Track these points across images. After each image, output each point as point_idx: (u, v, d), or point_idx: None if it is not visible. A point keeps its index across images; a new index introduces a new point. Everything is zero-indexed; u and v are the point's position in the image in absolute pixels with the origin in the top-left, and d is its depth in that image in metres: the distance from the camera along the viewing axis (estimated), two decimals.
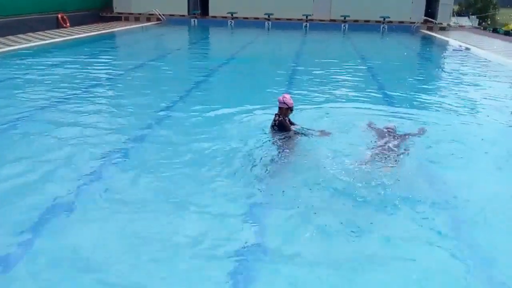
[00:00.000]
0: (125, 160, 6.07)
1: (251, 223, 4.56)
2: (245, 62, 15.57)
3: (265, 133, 6.75)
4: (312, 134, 6.80)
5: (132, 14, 28.48)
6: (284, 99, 6.54)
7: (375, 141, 6.62)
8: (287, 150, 6.28)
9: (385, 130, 6.93)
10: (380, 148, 6.35)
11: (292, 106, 6.64)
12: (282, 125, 6.58)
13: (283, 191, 5.21)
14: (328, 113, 8.34)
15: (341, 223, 4.51)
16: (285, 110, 6.59)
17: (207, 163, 5.89)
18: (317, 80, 12.08)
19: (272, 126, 6.67)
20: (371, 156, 6.12)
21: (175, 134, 7.13)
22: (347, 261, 3.97)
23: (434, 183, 5.63)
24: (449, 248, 4.17)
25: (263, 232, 4.40)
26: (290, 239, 4.28)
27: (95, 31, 21.30)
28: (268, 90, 10.22)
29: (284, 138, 6.51)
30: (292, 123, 6.90)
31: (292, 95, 6.96)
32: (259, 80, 12.12)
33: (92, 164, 5.79)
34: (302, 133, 6.78)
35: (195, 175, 5.55)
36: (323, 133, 6.87)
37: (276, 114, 6.69)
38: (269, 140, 6.49)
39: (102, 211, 4.73)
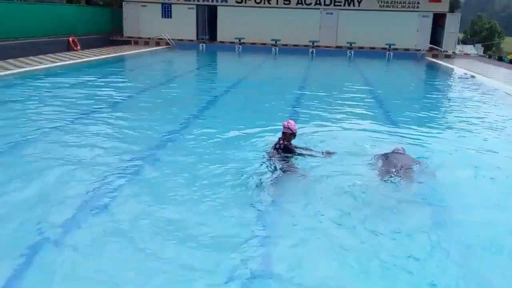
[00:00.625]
0: (130, 180, 6.13)
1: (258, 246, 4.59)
2: (252, 86, 15.82)
3: (267, 156, 6.78)
4: (316, 156, 6.91)
5: (141, 38, 29.03)
6: (288, 124, 6.68)
7: (382, 164, 6.68)
8: (292, 171, 6.36)
9: (393, 153, 6.95)
10: (386, 170, 6.40)
11: (296, 132, 6.76)
12: (287, 149, 6.67)
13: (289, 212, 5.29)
14: (335, 137, 8.47)
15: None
16: (288, 136, 6.72)
17: (212, 186, 5.93)
18: (323, 104, 12.25)
19: (277, 149, 6.71)
20: (378, 177, 6.19)
21: (182, 156, 7.21)
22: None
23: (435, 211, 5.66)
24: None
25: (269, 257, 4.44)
26: (296, 263, 4.31)
27: (105, 55, 21.71)
28: (274, 113, 10.34)
29: (289, 159, 6.58)
30: (295, 147, 6.98)
31: (299, 119, 7.07)
32: (265, 104, 12.25)
33: (93, 187, 5.78)
34: (308, 155, 6.88)
35: (198, 198, 5.61)
36: (328, 153, 7.00)
37: (280, 138, 6.81)
38: (274, 162, 6.50)
39: (102, 237, 4.68)
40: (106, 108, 10.68)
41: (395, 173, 6.25)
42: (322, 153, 7.02)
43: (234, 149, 7.46)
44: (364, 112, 11.61)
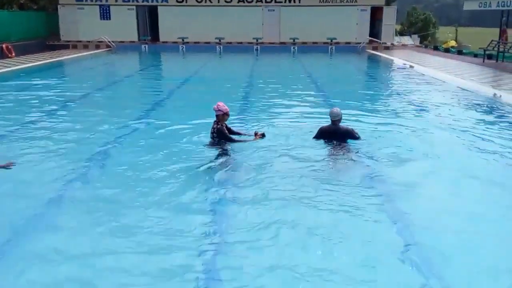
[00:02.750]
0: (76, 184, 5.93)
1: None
2: (198, 84, 15.77)
3: (207, 144, 7.27)
4: (248, 140, 7.44)
5: (80, 42, 28.09)
6: (218, 106, 7.12)
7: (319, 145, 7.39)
8: (229, 156, 6.90)
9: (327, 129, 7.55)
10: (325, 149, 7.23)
11: (228, 111, 7.20)
12: (220, 132, 7.14)
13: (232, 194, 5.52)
14: (277, 124, 9.09)
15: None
16: (221, 117, 7.17)
17: (156, 181, 6.05)
18: (269, 97, 12.64)
19: (212, 134, 7.20)
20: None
21: (127, 154, 7.33)
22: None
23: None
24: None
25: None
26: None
27: (42, 60, 20.80)
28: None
29: (224, 145, 7.11)
30: (230, 130, 7.50)
31: (246, 114, 7.64)
32: (213, 100, 12.20)
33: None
34: (240, 140, 7.38)
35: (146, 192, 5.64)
36: (257, 134, 7.51)
37: (214, 121, 7.24)
38: (213, 149, 7.07)
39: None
40: (45, 115, 10.25)
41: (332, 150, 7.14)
42: (254, 135, 7.51)
43: (179, 144, 7.66)
44: (307, 101, 12.23)
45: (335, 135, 7.38)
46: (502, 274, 4.16)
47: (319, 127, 7.70)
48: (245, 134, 7.77)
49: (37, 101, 12.00)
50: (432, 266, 4.19)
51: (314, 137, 7.62)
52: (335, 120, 7.38)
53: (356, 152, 7.17)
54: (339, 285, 3.95)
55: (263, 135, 7.55)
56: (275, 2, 28.77)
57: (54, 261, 4.22)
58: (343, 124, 7.53)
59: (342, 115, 7.46)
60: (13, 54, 21.77)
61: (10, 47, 21.90)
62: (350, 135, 7.42)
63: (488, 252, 4.49)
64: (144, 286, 3.89)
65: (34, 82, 15.29)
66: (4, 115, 10.20)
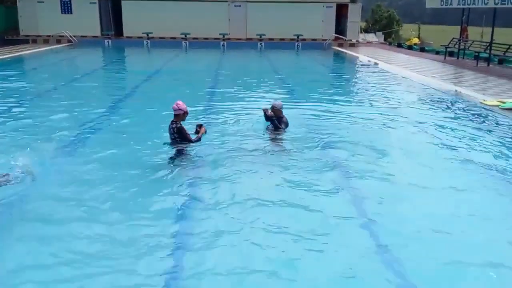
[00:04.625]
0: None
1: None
2: (164, 80, 15.57)
3: (168, 143, 7.11)
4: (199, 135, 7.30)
5: (40, 36, 27.16)
6: (178, 105, 6.96)
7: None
8: (189, 154, 6.95)
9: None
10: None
11: (187, 110, 7.07)
12: (180, 131, 6.99)
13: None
14: (238, 119, 9.26)
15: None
16: (182, 116, 7.02)
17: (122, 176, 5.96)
18: (235, 92, 12.75)
19: (172, 134, 7.02)
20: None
21: (84, 153, 7.19)
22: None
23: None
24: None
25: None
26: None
27: (0, 55, 19.97)
28: (189, 105, 10.20)
29: (184, 143, 7.03)
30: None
31: (212, 107, 8.36)
32: (179, 96, 12.03)
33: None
34: (197, 138, 7.22)
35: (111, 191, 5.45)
36: (201, 128, 7.35)
37: (172, 121, 7.04)
38: (173, 148, 6.98)
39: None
40: (7, 112, 9.85)
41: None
42: (196, 131, 7.32)
43: (140, 142, 7.57)
44: (272, 94, 12.39)
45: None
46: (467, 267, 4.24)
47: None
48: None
49: None
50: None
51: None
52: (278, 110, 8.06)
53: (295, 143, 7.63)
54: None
55: (201, 126, 7.43)
56: None
57: None
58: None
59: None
60: None
61: None
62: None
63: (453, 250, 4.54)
64: None
65: None
66: None
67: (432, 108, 11.15)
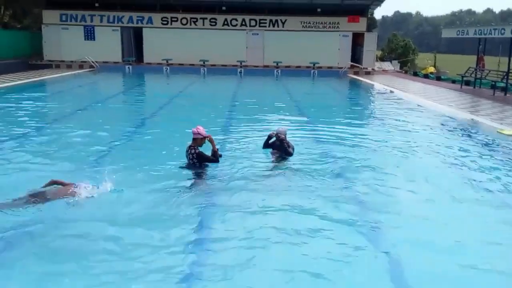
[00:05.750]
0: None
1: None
2: (183, 105, 15.92)
3: (184, 167, 7.37)
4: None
5: (63, 61, 28.01)
6: (198, 130, 7.22)
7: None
8: (206, 177, 7.12)
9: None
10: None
11: (206, 135, 7.29)
12: (200, 157, 7.23)
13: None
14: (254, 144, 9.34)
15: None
16: (199, 140, 7.25)
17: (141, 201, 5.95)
18: (252, 116, 12.97)
19: (191, 159, 7.24)
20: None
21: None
22: None
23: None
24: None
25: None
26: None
27: (24, 79, 20.64)
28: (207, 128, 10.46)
29: (202, 167, 7.29)
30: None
31: (229, 131, 8.81)
32: (196, 121, 12.31)
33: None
34: (216, 157, 7.43)
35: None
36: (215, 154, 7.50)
37: (190, 146, 7.28)
38: (191, 171, 7.21)
39: None
40: (25, 133, 10.16)
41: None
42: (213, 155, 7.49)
43: (159, 165, 7.67)
44: (288, 119, 12.70)
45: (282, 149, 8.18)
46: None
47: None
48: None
49: (17, 119, 11.88)
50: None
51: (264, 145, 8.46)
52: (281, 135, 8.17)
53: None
54: None
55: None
56: (259, 26, 29.23)
57: None
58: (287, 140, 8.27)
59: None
60: None
61: None
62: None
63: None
64: None
65: (15, 101, 15.13)
66: None
67: (448, 137, 11.16)
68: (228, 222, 5.61)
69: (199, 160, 7.23)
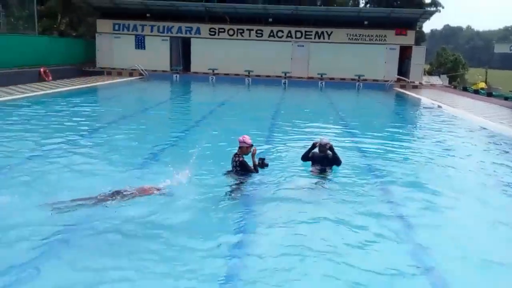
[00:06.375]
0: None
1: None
2: (227, 114, 16.19)
3: (227, 174, 7.51)
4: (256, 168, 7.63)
5: (114, 69, 29.07)
6: (244, 138, 7.42)
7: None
8: (248, 185, 7.18)
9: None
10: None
11: (252, 143, 7.44)
12: (243, 165, 7.39)
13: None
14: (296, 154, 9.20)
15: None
16: (245, 149, 7.42)
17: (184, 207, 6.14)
18: (295, 128, 12.97)
19: (235, 167, 7.42)
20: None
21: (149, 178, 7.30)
22: None
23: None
24: None
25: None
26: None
27: (78, 85, 21.61)
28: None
29: (245, 175, 7.38)
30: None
31: (271, 141, 8.98)
32: (240, 130, 12.49)
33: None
34: (257, 170, 7.55)
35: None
36: (262, 164, 7.71)
37: (236, 154, 7.47)
38: (234, 179, 7.29)
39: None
40: (81, 139, 10.60)
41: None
42: (259, 164, 7.66)
43: (202, 172, 7.73)
44: (331, 131, 12.64)
45: (324, 161, 8.08)
46: None
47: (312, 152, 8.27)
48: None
49: (71, 123, 12.44)
50: None
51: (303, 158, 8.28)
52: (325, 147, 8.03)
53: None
54: None
55: (262, 162, 7.76)
56: (305, 37, 29.32)
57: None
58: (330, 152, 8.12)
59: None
60: (50, 78, 22.66)
61: (47, 71, 22.83)
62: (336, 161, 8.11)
63: None
64: None
65: (69, 105, 15.88)
66: (39, 135, 10.59)
67: (499, 155, 10.77)
68: (267, 230, 5.68)
69: (242, 169, 7.39)
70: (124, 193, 6.28)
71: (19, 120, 12.56)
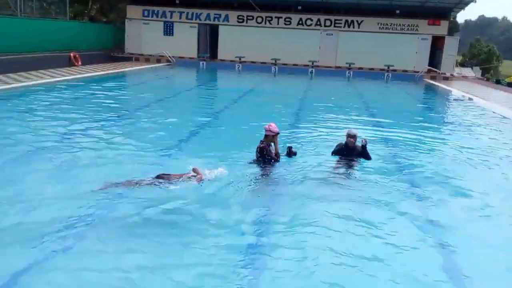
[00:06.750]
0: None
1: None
2: (253, 101, 16.22)
3: (251, 162, 7.45)
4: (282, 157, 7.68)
5: (142, 55, 29.31)
6: (270, 127, 7.32)
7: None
8: (271, 174, 7.18)
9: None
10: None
11: (278, 132, 7.36)
12: (263, 151, 7.30)
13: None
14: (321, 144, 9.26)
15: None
16: (271, 137, 7.35)
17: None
18: (320, 118, 12.91)
19: (259, 154, 7.38)
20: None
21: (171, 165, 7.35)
22: None
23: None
24: None
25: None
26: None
27: (106, 70, 21.88)
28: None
29: (267, 164, 7.34)
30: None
31: (296, 130, 8.97)
32: (266, 118, 12.44)
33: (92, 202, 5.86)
34: (275, 160, 7.46)
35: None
36: (290, 152, 7.83)
37: (261, 141, 7.40)
38: (257, 167, 7.30)
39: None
40: (108, 123, 10.76)
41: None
42: (286, 154, 7.77)
43: (227, 159, 7.77)
44: (356, 122, 12.40)
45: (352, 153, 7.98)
46: None
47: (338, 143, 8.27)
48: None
49: (100, 107, 12.63)
50: None
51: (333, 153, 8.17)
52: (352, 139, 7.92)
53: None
54: None
55: (290, 151, 7.82)
56: (334, 26, 28.88)
57: None
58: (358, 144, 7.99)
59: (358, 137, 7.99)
60: (80, 63, 23.03)
61: (77, 56, 23.20)
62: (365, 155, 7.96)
63: None
64: None
65: (98, 90, 16.11)
66: (68, 118, 10.77)
67: None
68: (288, 222, 5.57)
69: (262, 155, 7.29)
70: (162, 180, 6.33)
71: (50, 104, 12.80)
